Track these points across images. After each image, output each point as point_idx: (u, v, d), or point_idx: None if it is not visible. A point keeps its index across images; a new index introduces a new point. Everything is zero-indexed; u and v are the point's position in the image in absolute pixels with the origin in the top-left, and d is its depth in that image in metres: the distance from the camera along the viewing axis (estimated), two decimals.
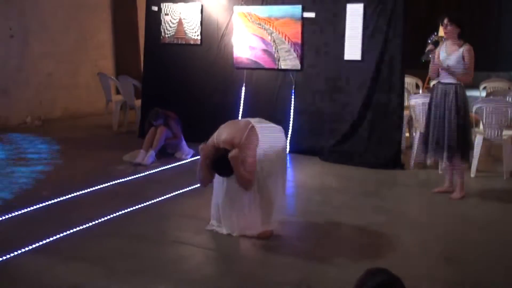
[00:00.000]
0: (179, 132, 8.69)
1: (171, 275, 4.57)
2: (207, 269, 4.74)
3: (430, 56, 6.55)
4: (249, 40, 9.18)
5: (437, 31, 9.15)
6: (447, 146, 6.56)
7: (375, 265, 2.56)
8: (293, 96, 8.90)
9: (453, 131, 6.49)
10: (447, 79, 6.53)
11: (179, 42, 9.90)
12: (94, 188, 6.91)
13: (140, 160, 8.14)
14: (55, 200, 6.41)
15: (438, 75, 6.71)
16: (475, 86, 10.26)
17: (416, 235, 5.57)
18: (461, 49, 6.41)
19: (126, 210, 6.05)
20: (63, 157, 8.67)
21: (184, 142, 8.79)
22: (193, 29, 9.70)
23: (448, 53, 6.48)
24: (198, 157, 7.98)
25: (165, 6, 9.94)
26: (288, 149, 8.91)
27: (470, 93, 10.80)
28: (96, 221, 5.73)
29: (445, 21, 6.46)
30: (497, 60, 15.59)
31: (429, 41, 6.61)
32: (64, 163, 8.35)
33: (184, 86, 9.75)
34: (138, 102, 10.58)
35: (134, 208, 6.14)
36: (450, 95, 6.47)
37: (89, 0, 12.69)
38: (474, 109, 7.62)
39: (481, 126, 7.77)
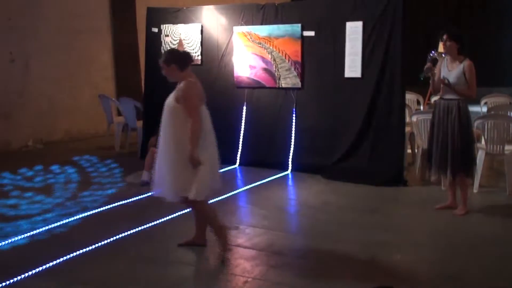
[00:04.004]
0: None
1: None
2: None
3: (429, 73, 6.57)
4: (250, 59, 9.21)
5: (437, 47, 9.19)
6: (450, 162, 6.54)
7: (379, 283, 2.54)
8: (294, 114, 8.90)
9: (456, 147, 6.48)
10: (449, 95, 6.53)
11: None
12: (96, 210, 6.90)
13: (146, 178, 8.07)
14: (58, 223, 6.40)
15: (440, 91, 6.71)
16: (476, 101, 10.26)
17: (420, 252, 5.53)
18: (461, 65, 6.41)
19: (128, 232, 6.02)
20: (66, 180, 8.66)
21: None
22: (193, 49, 9.73)
23: (449, 69, 6.49)
24: None
25: (165, 28, 10.00)
26: (290, 168, 8.92)
27: (472, 108, 10.79)
28: (99, 244, 5.71)
29: (445, 37, 6.48)
30: (498, 75, 15.62)
31: (429, 58, 6.62)
32: (67, 185, 8.33)
33: None
34: (139, 124, 10.59)
35: (136, 230, 6.11)
36: (453, 111, 6.47)
37: (90, 24, 12.76)
38: (475, 124, 7.61)
39: (483, 141, 7.76)
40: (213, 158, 5.39)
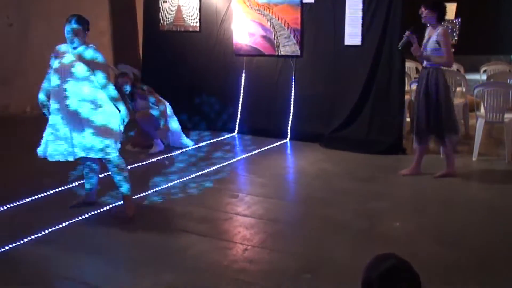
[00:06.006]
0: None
1: (175, 264, 4.59)
2: (211, 257, 4.73)
3: (409, 39, 6.55)
4: (249, 27, 9.13)
5: None
6: (416, 128, 6.70)
7: (377, 250, 2.55)
8: (293, 82, 8.87)
9: (423, 112, 6.56)
10: (426, 63, 6.64)
11: (178, 30, 9.86)
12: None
13: (159, 149, 8.22)
14: (57, 190, 6.41)
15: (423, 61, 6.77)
16: (475, 69, 10.23)
17: (418, 220, 5.56)
18: (435, 34, 6.42)
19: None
20: None
21: (174, 132, 8.64)
22: (192, 16, 9.66)
23: (427, 38, 6.55)
24: (198, 145, 7.99)
25: None
26: (288, 136, 8.92)
27: (471, 76, 10.78)
28: (99, 210, 5.74)
29: (422, 8, 6.50)
30: (497, 43, 15.53)
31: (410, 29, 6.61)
32: None
33: (183, 74, 9.72)
34: None
35: (137, 196, 6.12)
36: (424, 78, 6.56)
37: None
38: (475, 92, 7.62)
39: (482, 109, 7.76)
40: None
